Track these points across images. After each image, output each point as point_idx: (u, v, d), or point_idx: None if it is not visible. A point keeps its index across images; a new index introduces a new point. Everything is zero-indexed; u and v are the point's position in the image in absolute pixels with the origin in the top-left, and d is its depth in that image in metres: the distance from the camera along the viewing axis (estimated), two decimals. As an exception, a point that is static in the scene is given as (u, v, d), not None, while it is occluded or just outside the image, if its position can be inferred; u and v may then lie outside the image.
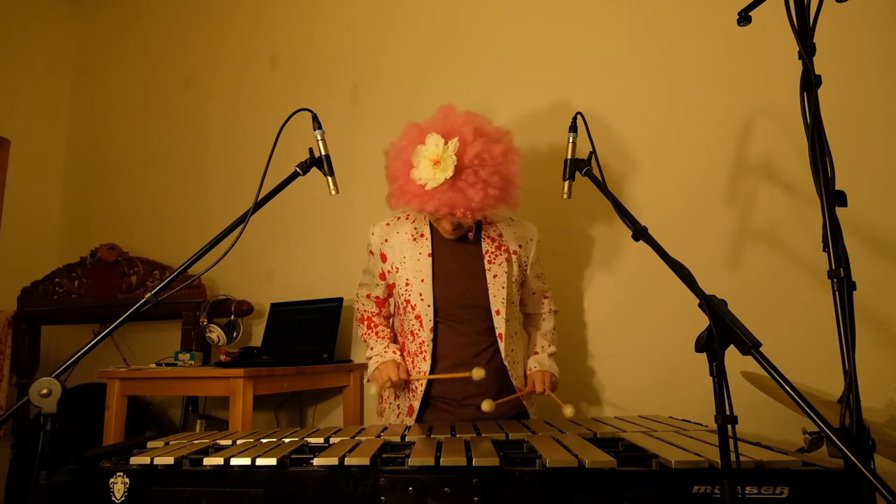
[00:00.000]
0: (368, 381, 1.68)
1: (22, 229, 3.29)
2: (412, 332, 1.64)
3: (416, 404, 1.61)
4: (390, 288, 1.73)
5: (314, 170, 1.33)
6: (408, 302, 1.63)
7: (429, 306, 1.60)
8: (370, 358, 1.69)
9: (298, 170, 1.31)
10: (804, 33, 0.97)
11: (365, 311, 1.80)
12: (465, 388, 1.59)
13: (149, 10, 3.45)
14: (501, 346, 1.61)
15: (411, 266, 1.63)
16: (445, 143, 1.43)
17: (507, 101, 2.34)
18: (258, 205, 1.25)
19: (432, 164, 1.42)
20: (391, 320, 1.82)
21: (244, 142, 2.96)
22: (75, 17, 3.70)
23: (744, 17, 1.13)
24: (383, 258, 1.69)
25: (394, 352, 1.66)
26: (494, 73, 2.38)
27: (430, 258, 1.64)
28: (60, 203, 3.53)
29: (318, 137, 1.34)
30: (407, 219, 1.72)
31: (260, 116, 2.95)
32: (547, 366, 1.69)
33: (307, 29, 2.90)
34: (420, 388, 1.61)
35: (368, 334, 1.76)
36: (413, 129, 1.53)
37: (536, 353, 1.75)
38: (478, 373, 1.49)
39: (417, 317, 1.61)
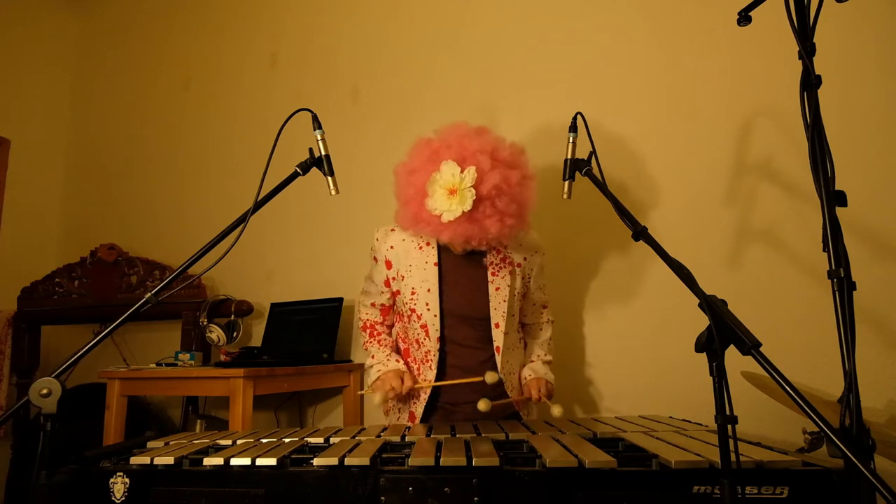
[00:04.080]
0: (372, 389, 1.63)
1: (22, 229, 3.29)
2: (417, 341, 1.62)
3: (419, 410, 1.60)
4: (395, 295, 1.69)
5: (314, 170, 1.33)
6: (413, 311, 1.60)
7: (435, 316, 1.58)
8: (371, 367, 1.67)
9: (298, 170, 1.31)
10: (804, 33, 0.97)
11: (368, 319, 1.77)
12: (468, 395, 1.59)
13: (149, 10, 3.45)
14: (498, 358, 1.59)
15: (418, 275, 1.60)
16: (462, 170, 1.37)
17: (506, 102, 2.34)
18: (258, 205, 1.25)
19: (448, 194, 1.37)
20: (393, 329, 1.79)
21: (244, 142, 2.96)
22: (75, 17, 3.70)
23: (744, 17, 1.13)
24: (388, 265, 1.65)
25: (396, 360, 1.65)
26: (495, 74, 2.38)
27: (437, 267, 1.61)
28: (60, 203, 3.53)
29: (318, 137, 1.33)
30: None
31: (260, 116, 2.95)
32: (542, 373, 1.68)
33: (307, 29, 2.90)
34: (424, 395, 1.61)
35: (371, 342, 1.73)
36: (424, 147, 1.47)
37: (532, 361, 1.73)
38: (491, 377, 1.51)
39: (423, 326, 1.59)
